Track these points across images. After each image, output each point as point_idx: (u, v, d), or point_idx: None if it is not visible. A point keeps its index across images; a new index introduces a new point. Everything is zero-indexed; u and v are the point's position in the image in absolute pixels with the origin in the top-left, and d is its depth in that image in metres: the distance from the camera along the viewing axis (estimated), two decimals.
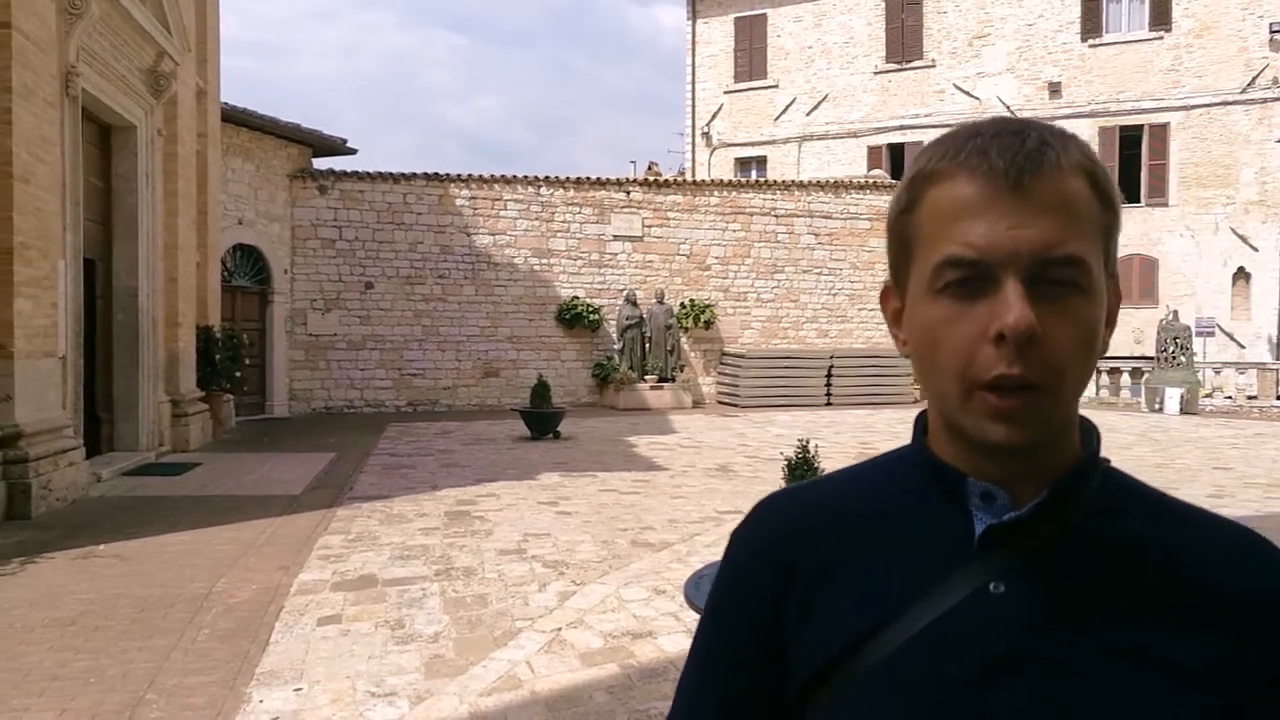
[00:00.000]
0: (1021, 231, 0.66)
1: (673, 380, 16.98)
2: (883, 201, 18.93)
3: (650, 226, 18.07)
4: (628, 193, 17.96)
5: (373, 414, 15.98)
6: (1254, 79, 21.55)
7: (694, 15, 27.34)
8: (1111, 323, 0.73)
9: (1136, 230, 22.44)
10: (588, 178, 17.90)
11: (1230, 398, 17.82)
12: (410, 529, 6.83)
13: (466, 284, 17.09)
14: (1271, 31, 21.42)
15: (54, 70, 7.89)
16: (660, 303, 17.14)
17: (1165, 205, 22.22)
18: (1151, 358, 18.66)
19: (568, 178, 17.79)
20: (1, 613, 4.75)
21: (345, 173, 16.68)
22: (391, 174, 16.85)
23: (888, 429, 13.95)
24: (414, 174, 16.97)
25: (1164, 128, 22.35)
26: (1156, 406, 17.06)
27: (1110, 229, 0.71)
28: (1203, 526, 0.74)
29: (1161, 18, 22.45)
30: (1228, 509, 7.96)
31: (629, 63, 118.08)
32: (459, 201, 17.16)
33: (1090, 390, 19.58)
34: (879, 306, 0.80)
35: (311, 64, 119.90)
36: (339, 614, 4.79)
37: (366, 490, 8.48)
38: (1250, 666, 0.68)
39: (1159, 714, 0.67)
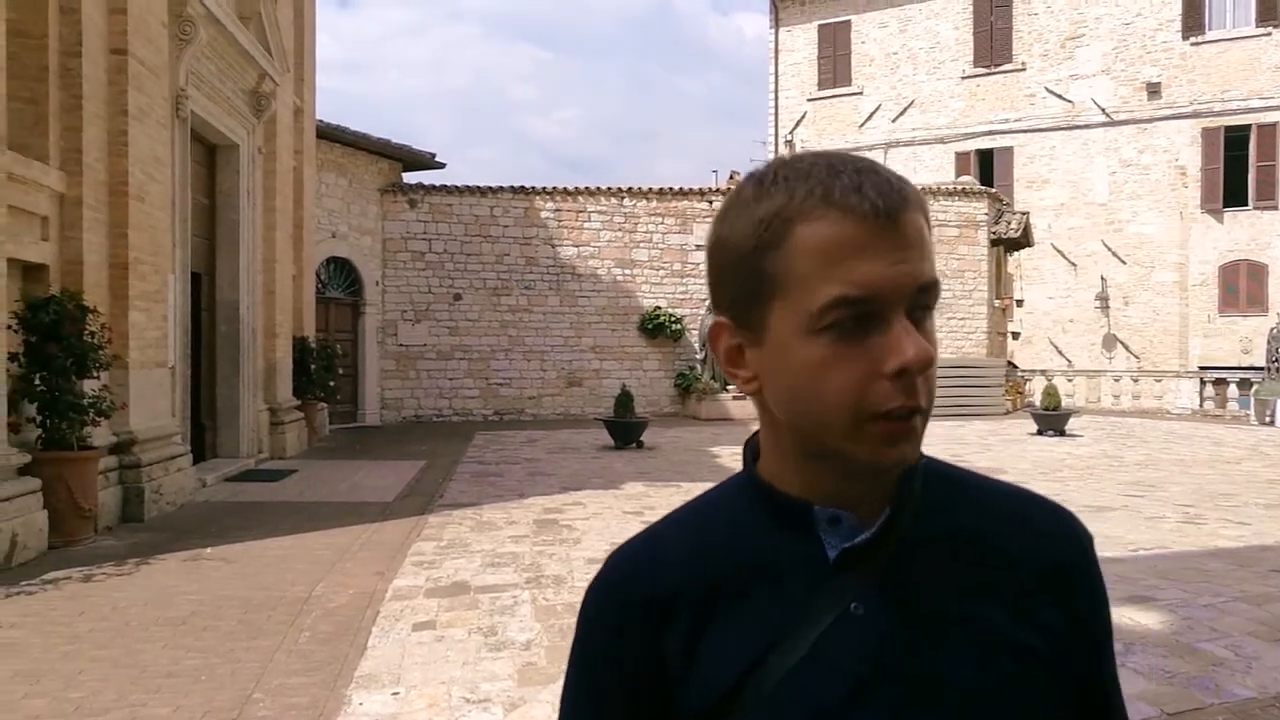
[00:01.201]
0: (902, 267, 0.68)
1: (726, 388, 16.87)
2: (972, 208, 18.53)
3: None
4: (710, 202, 17.96)
5: (461, 422, 16.28)
6: None
7: (777, 23, 27.24)
8: None
9: (1244, 235, 21.50)
10: (670, 188, 17.98)
11: None
12: (500, 536, 6.94)
13: (551, 295, 17.30)
14: None
15: (165, 93, 8.29)
16: None
17: (1275, 208, 21.24)
18: (1260, 368, 17.81)
19: (650, 188, 17.89)
20: (120, 611, 4.99)
21: (433, 186, 17.08)
22: (478, 187, 17.19)
23: (979, 440, 13.62)
24: (500, 187, 17.29)
25: (1273, 128, 21.39)
26: (1267, 419, 16.27)
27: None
28: (1010, 507, 0.80)
29: (1270, 12, 21.50)
30: None
31: (709, 72, 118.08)
32: (544, 214, 17.41)
33: (1194, 402, 18.79)
34: (712, 342, 0.77)
35: (400, 79, 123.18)
36: (433, 620, 4.89)
37: (456, 498, 8.64)
38: (1065, 626, 0.76)
39: (1020, 700, 0.72)
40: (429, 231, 16.94)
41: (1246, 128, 21.63)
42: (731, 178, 25.76)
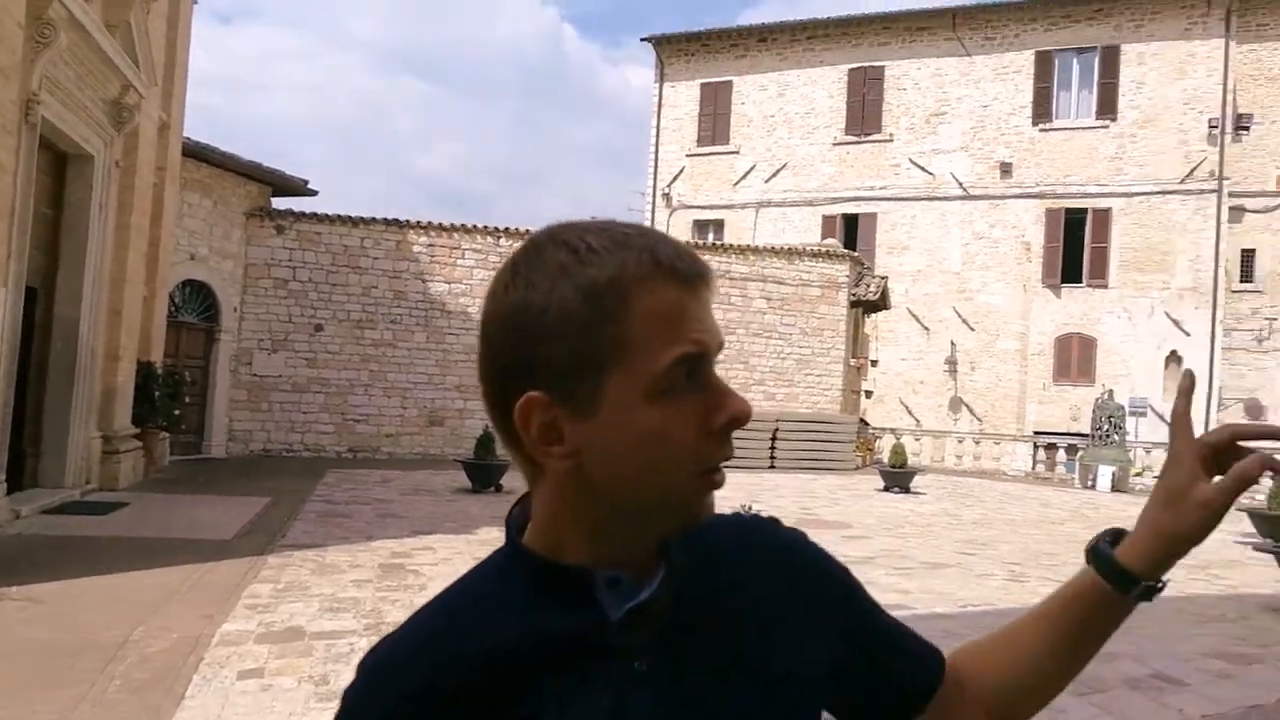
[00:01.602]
0: (714, 326, 0.73)
1: None
2: (834, 270, 19.32)
3: None
4: None
5: (312, 459, 15.74)
6: (1192, 171, 22.50)
7: (662, 78, 27.93)
8: None
9: (1077, 310, 23.13)
10: None
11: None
12: (342, 580, 6.74)
13: (418, 330, 17.04)
14: (1210, 127, 22.42)
15: (15, 97, 7.84)
16: None
17: (1105, 287, 22.95)
18: (1086, 435, 19.11)
19: (527, 229, 17.92)
20: None
21: (303, 213, 16.64)
22: (350, 217, 16.85)
23: (828, 494, 14.08)
24: (373, 218, 16.99)
25: (1106, 213, 23.18)
26: (1090, 483, 17.44)
27: None
28: (752, 540, 0.85)
29: (1108, 107, 23.42)
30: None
31: (597, 120, 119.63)
32: (416, 248, 17.19)
33: (1028, 464, 19.97)
34: (522, 420, 0.71)
35: (279, 103, 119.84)
36: (261, 667, 4.70)
37: (300, 538, 8.35)
38: (840, 624, 0.84)
39: None
40: (295, 259, 16.47)
41: (1084, 211, 23.39)
42: None
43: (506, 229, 17.73)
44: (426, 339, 17.03)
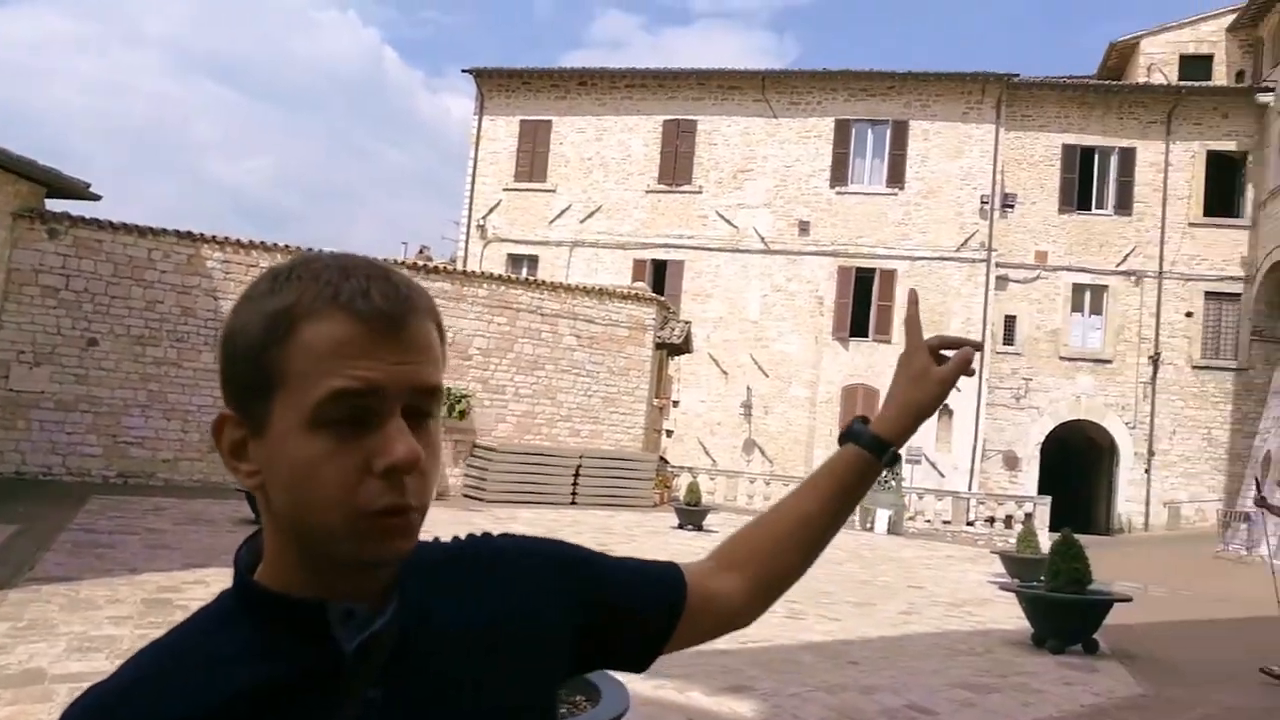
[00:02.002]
0: (402, 368, 0.72)
1: None
2: (642, 312, 19.81)
3: None
4: None
5: (75, 483, 14.44)
6: (966, 240, 24.70)
7: (482, 111, 27.90)
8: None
9: (864, 361, 24.75)
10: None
11: (929, 521, 19.76)
12: (98, 617, 6.22)
13: (206, 350, 16.06)
14: (982, 202, 24.74)
15: None
16: None
17: (889, 342, 24.68)
18: None
19: (333, 251, 17.33)
20: None
21: (83, 218, 15.39)
22: (137, 226, 15.73)
23: (625, 530, 14.32)
24: (163, 229, 15.93)
25: (892, 273, 25.02)
26: (868, 526, 18.58)
27: (444, 362, 0.81)
28: (508, 563, 0.88)
29: (896, 177, 25.39)
30: (914, 625, 8.79)
31: (416, 144, 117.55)
32: (210, 263, 16.25)
33: None
34: (216, 434, 0.78)
35: (60, 95, 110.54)
36: None
37: (51, 570, 7.64)
38: (601, 615, 0.90)
39: None
40: (69, 267, 15.16)
41: (873, 270, 25.14)
42: (421, 252, 25.64)
43: (311, 249, 17.09)
44: (215, 360, 16.04)
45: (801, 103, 25.96)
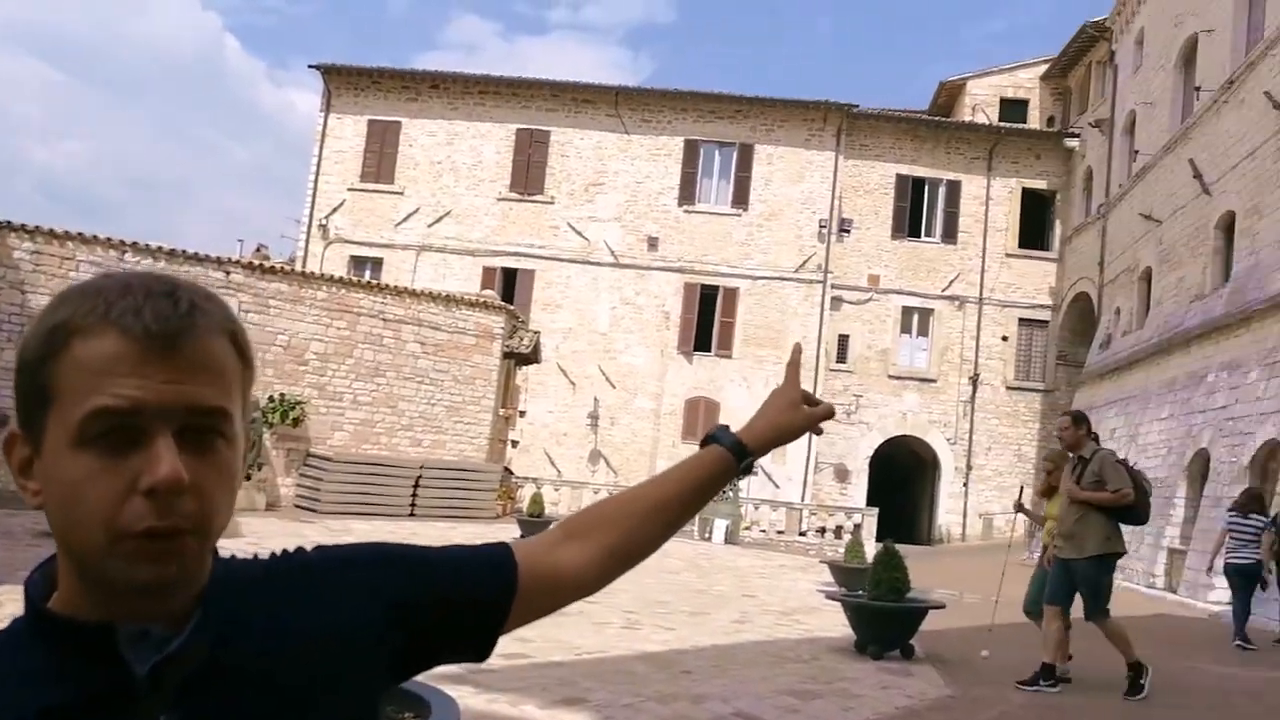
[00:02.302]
0: (174, 387, 0.71)
1: (248, 479, 15.88)
2: (490, 321, 19.64)
3: (247, 312, 17.09)
4: (227, 273, 16.90)
5: None
6: (804, 262, 25.74)
7: (328, 108, 27.02)
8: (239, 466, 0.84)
9: (705, 375, 25.38)
10: (183, 250, 16.62)
11: (764, 531, 20.43)
12: None
13: (8, 348, 14.83)
14: (820, 226, 25.85)
15: None
16: None
17: (730, 357, 25.43)
18: None
19: (160, 246, 16.37)
20: None
21: None
22: None
23: (465, 543, 14.12)
24: None
25: (735, 291, 25.79)
26: (706, 535, 19.03)
27: (247, 382, 0.80)
28: (275, 576, 0.85)
29: (741, 199, 26.21)
30: (746, 634, 9.06)
31: (255, 138, 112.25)
32: (18, 254, 15.03)
33: None
34: (5, 452, 0.76)
35: None
36: None
37: None
38: (431, 616, 0.88)
39: None
40: None
41: (717, 287, 25.84)
42: (258, 250, 24.51)
43: (135, 243, 16.08)
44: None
45: (653, 120, 26.44)
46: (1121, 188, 23.14)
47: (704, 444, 1.12)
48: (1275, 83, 15.61)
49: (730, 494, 19.58)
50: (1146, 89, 22.26)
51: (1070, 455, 6.83)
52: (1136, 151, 22.43)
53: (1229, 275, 16.99)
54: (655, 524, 1.04)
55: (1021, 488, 9.77)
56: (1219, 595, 11.04)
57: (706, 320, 25.78)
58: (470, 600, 0.91)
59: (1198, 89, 19.09)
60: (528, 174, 26.46)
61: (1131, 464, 7.26)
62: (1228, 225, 17.37)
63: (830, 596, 9.84)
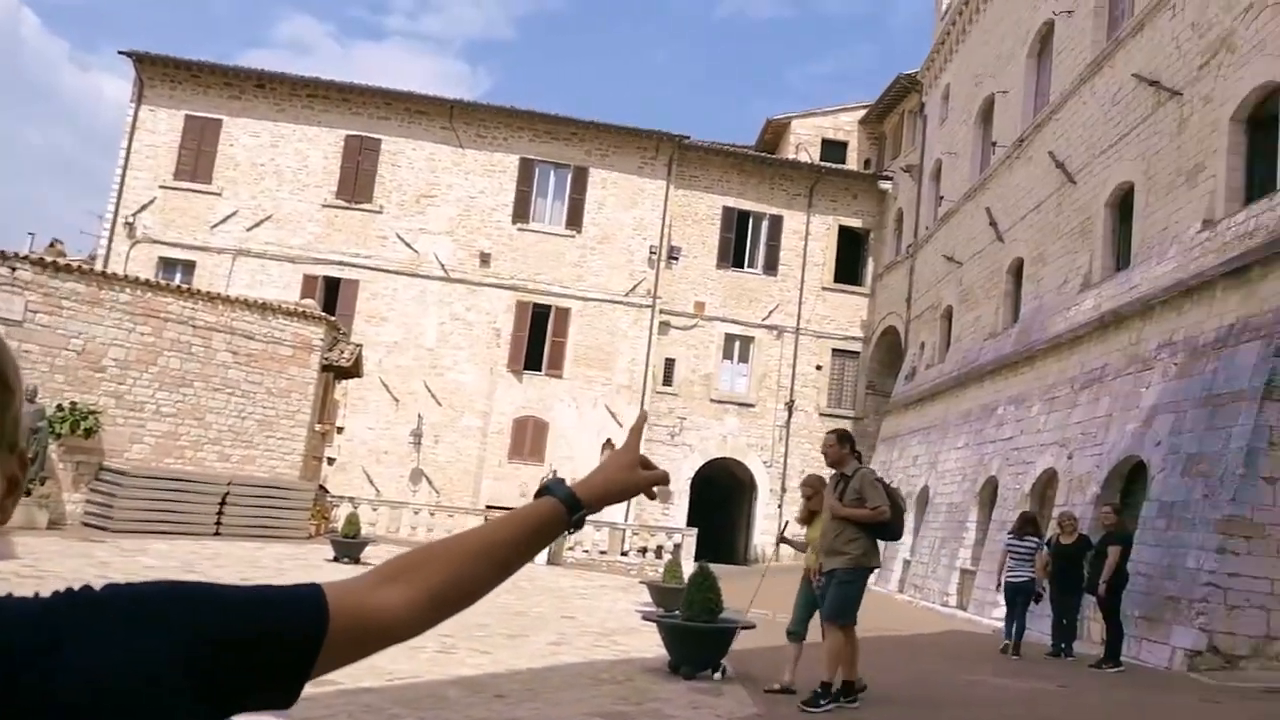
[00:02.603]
0: None
1: (28, 494, 14.55)
2: (309, 331, 18.89)
3: (36, 312, 15.74)
4: (12, 269, 15.51)
5: None
6: (634, 287, 26.20)
7: (140, 99, 25.34)
8: (16, 490, 0.82)
9: (535, 395, 25.33)
10: None
11: (587, 551, 20.54)
12: None
13: None
14: (650, 252, 26.40)
15: None
16: (31, 401, 14.78)
17: (560, 377, 25.50)
18: None
19: None
20: None
21: None
22: None
23: (275, 564, 13.48)
24: None
25: (567, 311, 25.92)
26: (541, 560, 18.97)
27: (6, 407, 0.77)
28: (78, 622, 0.80)
29: (575, 220, 26.42)
30: (563, 656, 9.09)
31: (54, 123, 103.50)
32: None
33: None
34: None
35: None
36: None
37: None
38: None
39: None
40: None
41: (549, 307, 25.89)
42: (52, 245, 22.62)
43: None
44: None
45: (489, 136, 26.30)
46: (928, 230, 24.88)
47: (538, 495, 1.14)
48: (1057, 144, 17.25)
49: None
50: (951, 140, 24.08)
51: (833, 473, 7.14)
52: (941, 197, 24.20)
53: (1018, 316, 18.56)
54: (482, 569, 1.03)
55: (786, 521, 10.35)
56: (1002, 612, 11.97)
57: (538, 339, 25.76)
58: (275, 642, 0.86)
59: (994, 144, 20.83)
60: (356, 181, 25.71)
61: (889, 482, 7.63)
62: (1017, 270, 18.99)
63: (646, 617, 10.00)
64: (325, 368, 19.35)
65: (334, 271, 25.21)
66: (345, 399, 23.67)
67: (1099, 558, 10.15)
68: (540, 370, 25.59)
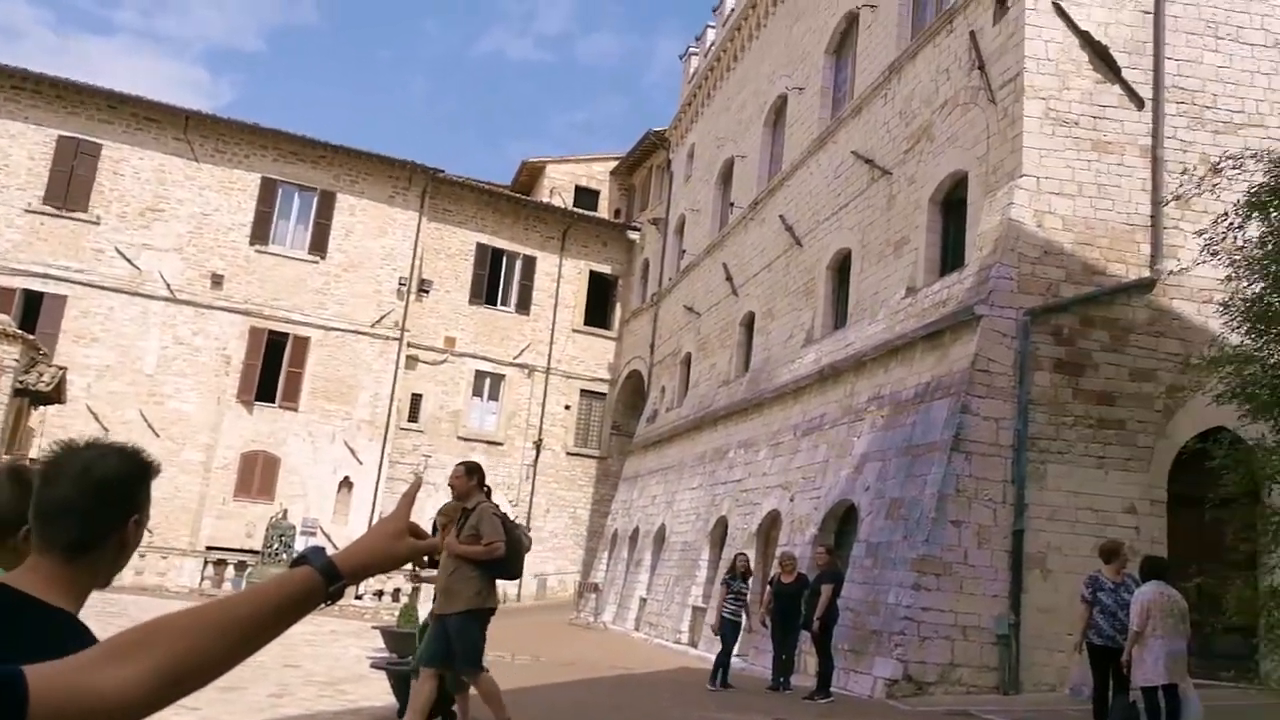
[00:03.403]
0: None
1: None
2: (1, 350, 16.78)
3: None
4: None
5: None
6: (382, 318, 25.45)
7: None
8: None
9: (267, 428, 23.86)
10: None
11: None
12: None
13: None
14: (400, 284, 25.78)
15: None
16: None
17: (296, 410, 24.19)
18: (259, 552, 19.51)
19: None
20: None
21: None
22: None
23: None
24: None
25: (306, 340, 24.70)
26: None
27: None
28: None
29: (320, 245, 25.33)
30: (285, 708, 8.57)
31: None
32: None
33: (196, 580, 19.49)
34: None
35: None
36: None
37: None
38: None
39: None
40: None
41: (287, 335, 24.56)
42: None
43: None
44: None
45: (228, 151, 24.75)
46: (671, 280, 26.09)
47: (294, 564, 1.10)
48: (788, 209, 18.75)
49: (285, 557, 18.47)
50: (694, 197, 25.50)
51: (462, 507, 6.68)
52: (684, 251, 25.50)
53: (749, 366, 19.83)
54: (222, 645, 0.97)
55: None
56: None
57: (272, 368, 24.33)
58: None
59: (732, 204, 22.30)
60: (69, 188, 23.26)
61: (513, 519, 7.29)
62: (749, 323, 20.33)
63: (376, 665, 9.66)
64: (19, 392, 17.23)
65: (37, 284, 22.59)
66: (42, 427, 21.13)
67: (814, 595, 10.96)
68: (274, 402, 24.16)
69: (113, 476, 1.32)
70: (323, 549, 1.14)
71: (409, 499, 1.26)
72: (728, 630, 11.66)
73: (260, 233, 24.82)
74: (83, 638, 1.13)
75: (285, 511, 20.54)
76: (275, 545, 18.77)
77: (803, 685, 11.22)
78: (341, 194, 25.59)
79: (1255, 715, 7.18)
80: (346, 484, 24.15)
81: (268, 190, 24.95)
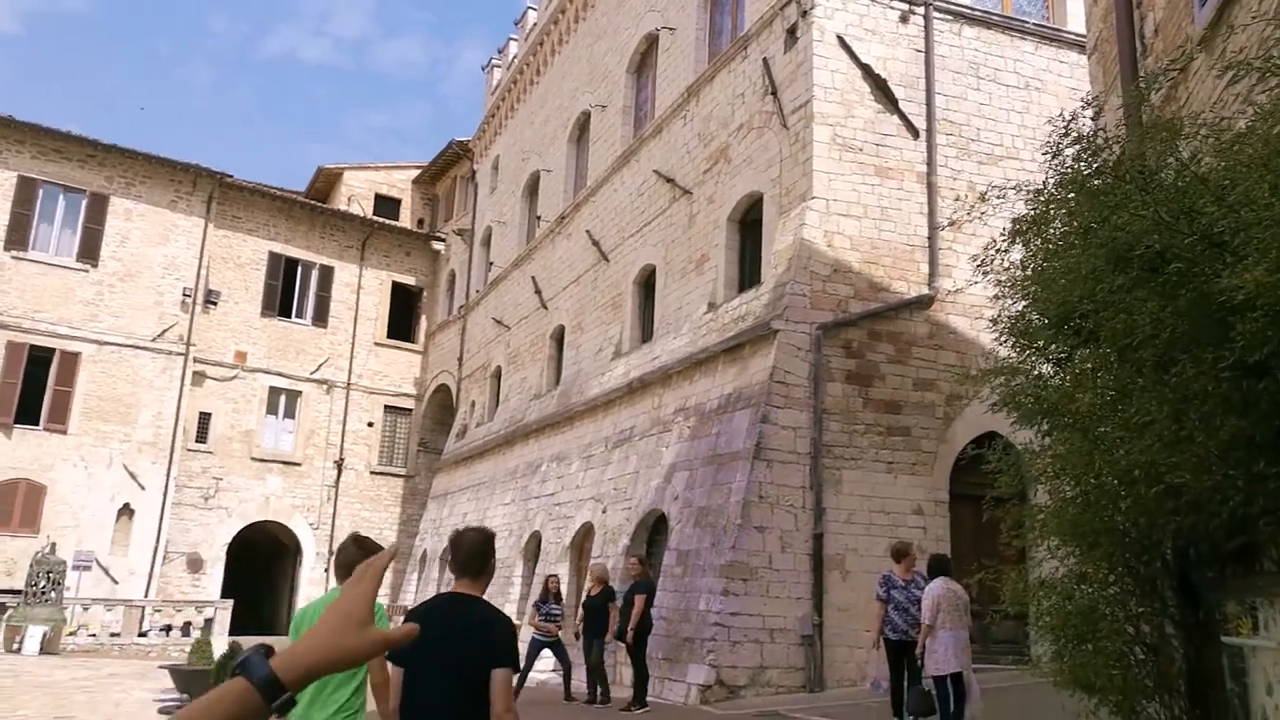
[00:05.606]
0: None
1: None
2: None
3: None
4: None
5: None
6: (164, 331, 23.68)
7: None
8: None
9: (29, 454, 21.68)
10: None
11: (94, 635, 17.90)
12: None
13: None
14: (184, 295, 24.08)
15: None
16: None
17: (64, 433, 22.11)
18: (20, 591, 17.68)
19: None
20: None
21: None
22: None
23: None
24: None
25: (76, 356, 22.63)
26: (15, 646, 16.05)
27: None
28: None
29: (90, 252, 23.28)
30: None
31: None
32: None
33: None
34: None
35: None
36: None
37: None
38: None
39: None
40: None
41: (52, 350, 22.39)
42: None
43: None
44: None
45: None
46: (479, 293, 25.79)
47: (232, 673, 0.94)
48: (594, 224, 19.00)
49: (53, 596, 16.81)
50: (501, 209, 25.34)
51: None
52: (492, 263, 25.28)
53: (560, 379, 19.90)
54: None
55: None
56: (547, 664, 12.55)
57: (35, 387, 22.09)
58: None
59: (539, 218, 22.33)
60: None
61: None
62: (560, 336, 20.42)
63: (164, 710, 9.00)
64: None
65: None
66: None
67: (628, 605, 11.13)
68: (38, 424, 21.96)
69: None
70: (264, 652, 0.93)
71: (376, 577, 0.99)
72: (532, 650, 11.60)
73: (17, 237, 22.54)
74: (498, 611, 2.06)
75: (53, 545, 18.69)
76: (42, 583, 17.05)
77: (621, 696, 11.36)
78: (116, 197, 23.63)
79: (1028, 693, 7.95)
80: (127, 511, 22.25)
81: (27, 190, 22.69)
